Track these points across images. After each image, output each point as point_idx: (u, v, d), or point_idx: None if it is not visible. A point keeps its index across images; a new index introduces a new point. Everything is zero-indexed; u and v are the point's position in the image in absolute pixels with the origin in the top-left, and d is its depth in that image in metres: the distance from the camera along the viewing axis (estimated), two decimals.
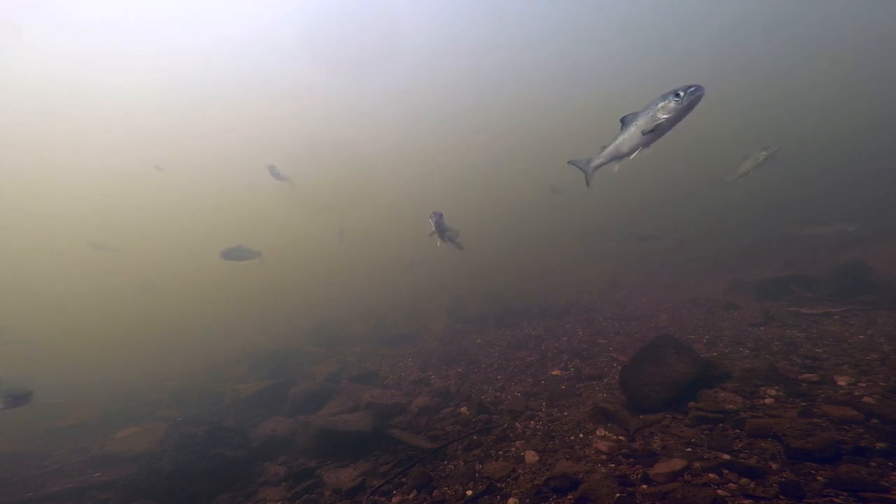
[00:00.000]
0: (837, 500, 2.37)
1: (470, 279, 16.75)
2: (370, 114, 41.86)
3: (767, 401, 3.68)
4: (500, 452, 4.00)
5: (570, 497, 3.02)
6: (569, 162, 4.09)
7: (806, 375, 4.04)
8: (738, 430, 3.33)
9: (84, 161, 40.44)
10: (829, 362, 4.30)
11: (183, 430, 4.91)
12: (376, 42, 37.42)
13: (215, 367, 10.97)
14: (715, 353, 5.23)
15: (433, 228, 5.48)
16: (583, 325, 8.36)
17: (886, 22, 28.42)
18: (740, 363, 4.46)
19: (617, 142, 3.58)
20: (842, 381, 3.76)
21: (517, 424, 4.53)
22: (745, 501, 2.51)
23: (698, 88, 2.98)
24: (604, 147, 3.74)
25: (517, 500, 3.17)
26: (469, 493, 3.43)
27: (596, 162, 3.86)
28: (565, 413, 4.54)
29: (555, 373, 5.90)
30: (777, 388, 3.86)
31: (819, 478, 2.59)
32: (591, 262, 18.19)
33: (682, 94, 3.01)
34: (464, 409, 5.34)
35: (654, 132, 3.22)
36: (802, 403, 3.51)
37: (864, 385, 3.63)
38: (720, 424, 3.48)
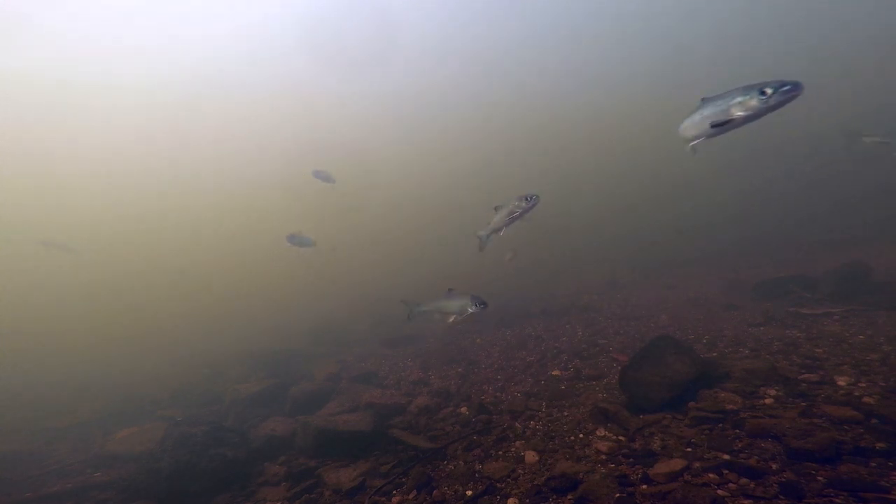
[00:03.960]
0: (837, 500, 2.37)
1: (469, 279, 16.76)
2: (368, 113, 41.86)
3: (767, 401, 3.68)
4: (500, 452, 4.00)
5: (569, 497, 3.03)
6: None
7: (806, 375, 4.04)
8: (738, 431, 3.33)
9: (79, 157, 40.34)
10: (829, 362, 4.30)
11: (183, 430, 4.91)
12: (374, 41, 37.38)
13: (215, 367, 10.97)
14: (715, 354, 5.22)
15: (513, 214, 4.35)
16: (583, 325, 8.36)
17: (886, 18, 28.44)
18: (740, 363, 4.46)
19: (684, 124, 3.29)
20: (842, 382, 3.76)
21: (517, 424, 4.53)
22: (745, 501, 2.51)
23: (795, 87, 2.50)
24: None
25: (517, 501, 3.17)
26: (469, 493, 3.43)
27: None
28: (565, 413, 4.54)
29: (555, 373, 5.90)
30: (777, 388, 3.86)
31: (819, 478, 2.59)
32: (590, 262, 18.19)
33: (769, 91, 2.55)
34: (464, 410, 5.34)
35: (724, 127, 2.86)
36: (802, 403, 3.51)
37: (864, 385, 3.63)
38: (720, 424, 3.48)
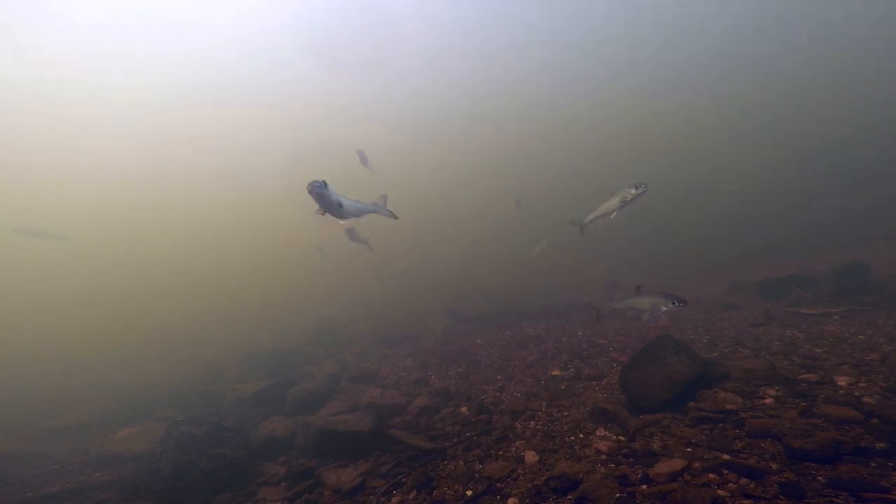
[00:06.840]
0: (837, 500, 2.37)
1: (469, 279, 16.75)
2: (369, 116, 41.89)
3: (767, 401, 3.68)
4: (500, 452, 4.00)
5: (569, 497, 3.03)
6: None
7: (806, 375, 4.04)
8: (738, 431, 3.33)
9: (82, 161, 40.38)
10: (829, 362, 4.30)
11: (183, 430, 4.90)
12: (376, 44, 37.42)
13: (215, 367, 10.94)
14: (715, 354, 5.23)
15: (625, 200, 4.68)
16: (583, 325, 8.35)
17: (887, 23, 28.43)
18: (740, 363, 4.46)
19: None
20: (842, 382, 3.76)
21: (517, 424, 4.53)
22: (745, 502, 2.51)
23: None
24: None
25: (517, 500, 3.17)
26: (469, 493, 3.43)
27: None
28: (565, 413, 4.54)
29: (555, 373, 5.90)
30: (777, 388, 3.86)
31: (819, 478, 2.59)
32: (591, 262, 18.17)
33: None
34: (464, 410, 5.34)
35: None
36: (802, 404, 3.51)
37: (864, 385, 3.63)
38: (720, 424, 3.48)
